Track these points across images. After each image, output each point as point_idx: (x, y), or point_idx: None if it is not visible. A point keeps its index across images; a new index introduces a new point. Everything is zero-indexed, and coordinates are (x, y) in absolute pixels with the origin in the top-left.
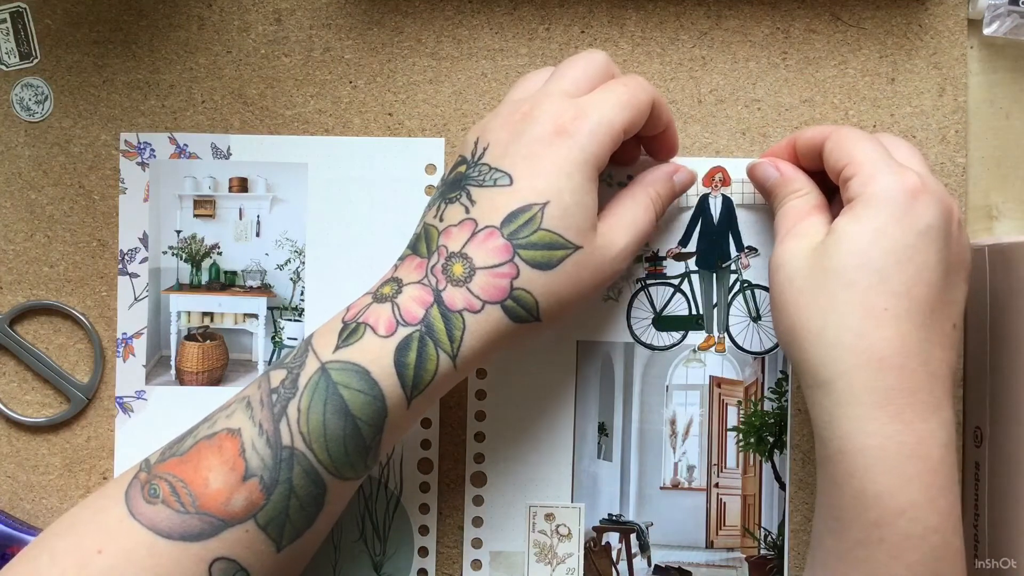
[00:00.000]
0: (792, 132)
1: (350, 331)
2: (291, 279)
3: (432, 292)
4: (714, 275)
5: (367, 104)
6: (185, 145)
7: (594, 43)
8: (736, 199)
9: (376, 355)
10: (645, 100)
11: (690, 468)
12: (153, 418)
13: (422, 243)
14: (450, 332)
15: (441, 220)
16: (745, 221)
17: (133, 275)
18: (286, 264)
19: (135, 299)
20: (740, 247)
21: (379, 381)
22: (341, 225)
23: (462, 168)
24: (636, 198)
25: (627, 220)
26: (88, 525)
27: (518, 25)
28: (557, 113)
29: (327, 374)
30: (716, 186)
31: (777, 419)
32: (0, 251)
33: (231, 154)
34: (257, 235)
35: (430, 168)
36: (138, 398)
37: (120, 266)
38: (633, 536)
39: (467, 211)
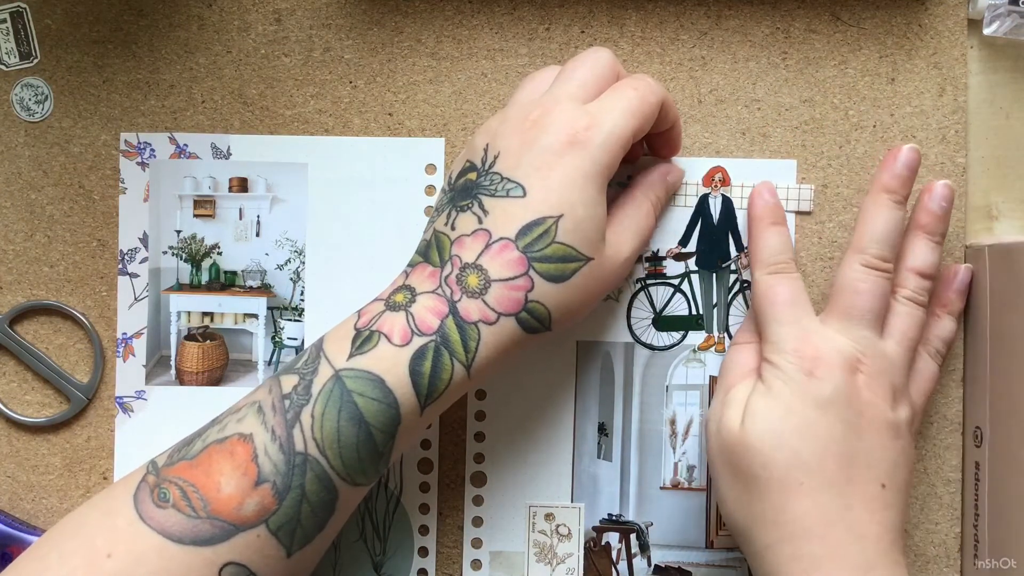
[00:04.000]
0: (792, 132)
1: (364, 339)
2: (291, 279)
3: (447, 303)
4: (714, 275)
5: (367, 104)
6: (185, 145)
7: (594, 43)
8: (736, 200)
9: (391, 364)
10: (655, 103)
11: (690, 468)
12: (153, 418)
13: (433, 251)
14: (465, 343)
15: (453, 228)
16: (745, 221)
17: (133, 275)
18: (286, 264)
19: (135, 299)
20: (740, 247)
21: (394, 389)
22: (341, 225)
23: (472, 175)
24: (638, 203)
25: (632, 227)
26: (97, 527)
27: (518, 25)
28: (568, 122)
29: (341, 382)
30: (716, 186)
31: None
32: (0, 251)
33: (231, 154)
34: (257, 235)
35: (430, 168)
36: (138, 398)
37: (120, 266)
38: (633, 536)
39: (480, 221)
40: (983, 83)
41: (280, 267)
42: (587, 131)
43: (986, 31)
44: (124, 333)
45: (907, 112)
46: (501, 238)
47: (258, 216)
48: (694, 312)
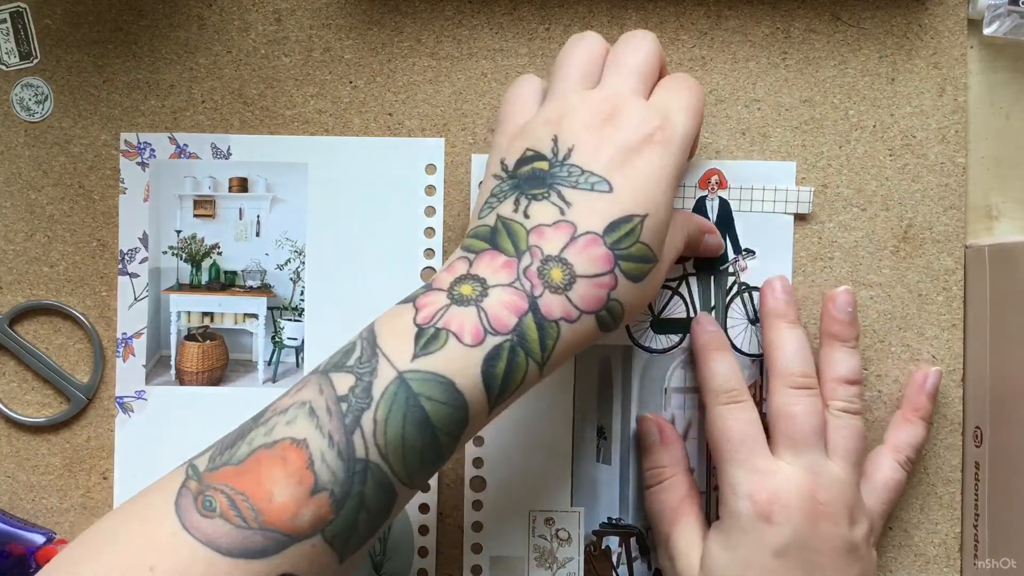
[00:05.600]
0: (792, 132)
1: (429, 337)
2: (291, 279)
3: (527, 298)
4: (712, 277)
5: (367, 104)
6: (185, 145)
7: None
8: (733, 203)
9: (462, 365)
10: (703, 103)
11: (690, 471)
12: (153, 418)
13: (504, 238)
14: (543, 341)
15: (527, 216)
16: (742, 223)
17: (133, 275)
18: (286, 264)
19: (135, 299)
20: (737, 249)
21: (464, 392)
22: (341, 225)
23: (543, 164)
24: (677, 228)
25: (671, 242)
26: (136, 538)
27: (518, 25)
28: (643, 120)
29: (407, 384)
30: (712, 188)
31: None
32: (0, 251)
33: (231, 154)
34: (257, 235)
35: (430, 168)
36: (138, 398)
37: (120, 266)
38: (633, 539)
39: (562, 212)
40: (983, 83)
41: (280, 267)
42: (663, 131)
43: (986, 31)
44: (124, 333)
45: (907, 112)
46: (588, 232)
47: (258, 216)
48: (692, 315)
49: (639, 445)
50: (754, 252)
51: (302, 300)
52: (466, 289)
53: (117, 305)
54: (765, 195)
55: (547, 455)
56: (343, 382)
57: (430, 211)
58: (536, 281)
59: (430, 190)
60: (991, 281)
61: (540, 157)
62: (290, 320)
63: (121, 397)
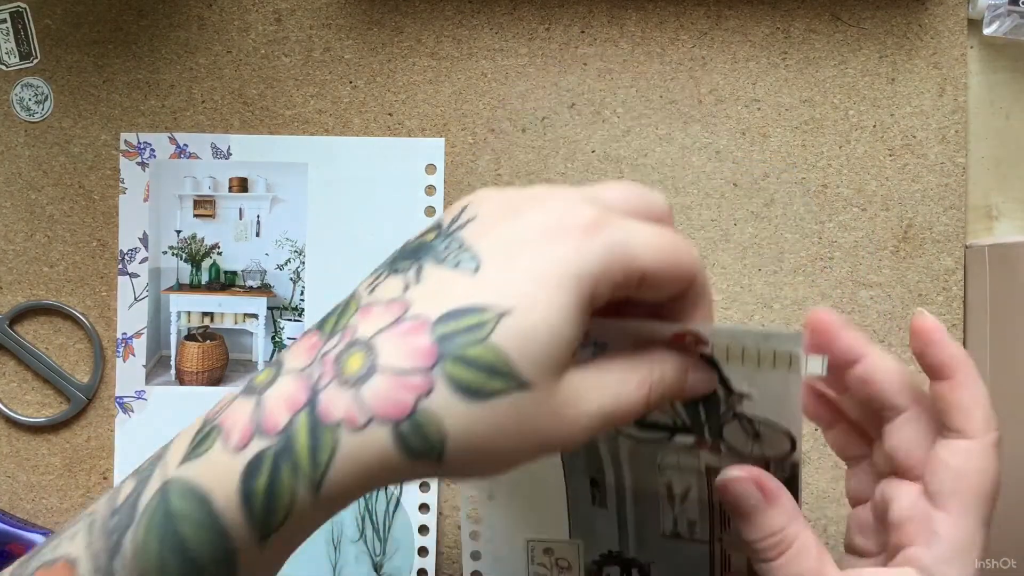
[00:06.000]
0: (792, 132)
1: (203, 436)
2: (291, 279)
3: (308, 390)
4: (700, 405)
5: (367, 104)
6: (185, 145)
7: (594, 43)
8: (721, 361)
9: (221, 477)
10: (687, 261)
11: (691, 523)
12: (153, 418)
13: (332, 317)
14: (314, 453)
15: (371, 292)
16: (734, 368)
17: (133, 275)
18: (286, 264)
19: (135, 299)
20: (729, 392)
21: (222, 515)
22: (341, 225)
23: (430, 236)
24: (635, 367)
25: (611, 385)
26: None
27: (518, 25)
28: (571, 208)
29: (167, 498)
30: (691, 346)
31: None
32: (0, 251)
33: (231, 154)
34: (257, 235)
35: (430, 168)
36: (138, 398)
37: (120, 266)
38: (635, 570)
39: (406, 288)
40: (983, 83)
41: (280, 267)
42: (589, 228)
43: (986, 31)
44: (124, 333)
45: (907, 112)
46: (418, 315)
47: (258, 216)
48: (680, 423)
49: (734, 513)
50: (751, 395)
51: (302, 300)
52: (263, 376)
53: (117, 305)
54: (762, 354)
55: (542, 495)
56: (126, 489)
57: (430, 211)
58: (330, 368)
59: (430, 190)
60: (991, 281)
61: (436, 227)
62: (290, 320)
63: (121, 397)
